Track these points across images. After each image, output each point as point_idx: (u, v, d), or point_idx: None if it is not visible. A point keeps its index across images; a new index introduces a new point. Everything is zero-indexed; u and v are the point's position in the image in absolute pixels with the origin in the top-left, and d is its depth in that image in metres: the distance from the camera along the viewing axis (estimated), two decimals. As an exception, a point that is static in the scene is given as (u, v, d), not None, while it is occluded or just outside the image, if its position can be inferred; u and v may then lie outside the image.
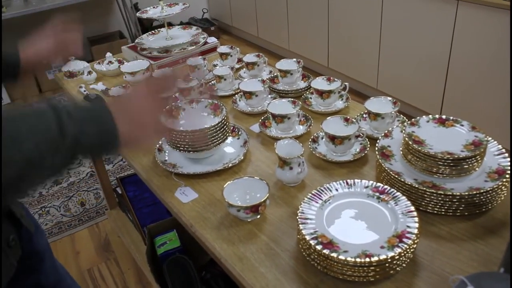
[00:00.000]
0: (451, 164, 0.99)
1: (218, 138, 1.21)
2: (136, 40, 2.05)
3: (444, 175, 1.01)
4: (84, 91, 1.83)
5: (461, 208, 0.99)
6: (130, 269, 2.17)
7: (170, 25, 2.11)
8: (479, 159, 1.01)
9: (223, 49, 1.80)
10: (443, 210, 1.00)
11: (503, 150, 1.09)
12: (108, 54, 2.01)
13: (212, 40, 2.02)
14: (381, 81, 3.24)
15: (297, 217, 0.94)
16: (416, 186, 1.00)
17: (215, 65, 1.82)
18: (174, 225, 1.91)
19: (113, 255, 2.28)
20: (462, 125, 1.10)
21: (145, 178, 1.28)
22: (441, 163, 1.00)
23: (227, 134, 1.26)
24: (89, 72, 1.92)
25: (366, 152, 1.21)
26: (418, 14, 2.75)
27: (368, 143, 1.24)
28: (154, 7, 2.07)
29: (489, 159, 1.07)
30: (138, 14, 2.05)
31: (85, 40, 4.63)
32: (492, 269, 0.86)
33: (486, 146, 1.03)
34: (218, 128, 1.20)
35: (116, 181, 2.40)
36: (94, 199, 2.72)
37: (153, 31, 2.14)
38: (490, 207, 1.01)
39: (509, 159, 1.06)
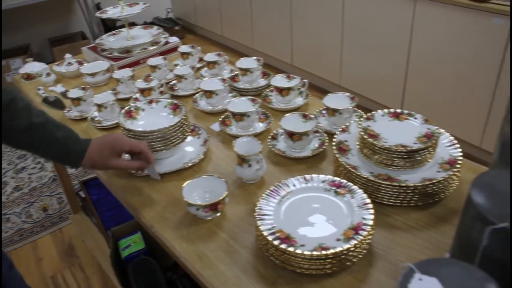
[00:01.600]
0: (405, 156, 1.02)
1: (178, 138, 1.21)
2: (96, 41, 2.02)
3: (399, 167, 1.04)
4: (43, 93, 1.79)
5: (415, 198, 1.01)
6: (95, 274, 2.14)
7: (132, 25, 2.08)
8: (431, 150, 1.04)
9: (184, 48, 1.80)
10: (398, 201, 1.02)
11: (455, 141, 1.12)
12: (68, 55, 1.97)
13: (174, 39, 2.00)
14: (344, 77, 3.29)
15: (255, 214, 0.95)
16: (372, 179, 1.02)
17: (176, 65, 1.81)
18: (139, 227, 1.89)
19: (77, 260, 2.24)
20: (415, 118, 1.13)
21: (106, 180, 1.26)
22: (395, 155, 1.02)
23: (187, 134, 1.25)
24: (48, 74, 1.88)
25: (324, 147, 1.23)
26: (378, 11, 2.81)
27: (327, 138, 1.26)
28: (114, 7, 2.04)
29: (441, 150, 1.10)
30: (97, 14, 2.02)
31: (45, 41, 4.54)
32: (443, 255, 0.89)
33: (438, 138, 1.06)
34: (177, 128, 1.20)
35: (80, 185, 2.36)
36: (57, 204, 2.67)
37: (113, 32, 2.11)
38: (442, 196, 1.04)
39: (460, 149, 1.09)
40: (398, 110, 1.16)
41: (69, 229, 2.45)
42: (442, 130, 1.15)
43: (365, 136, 1.06)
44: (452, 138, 1.13)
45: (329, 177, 1.03)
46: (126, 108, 1.30)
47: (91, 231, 2.20)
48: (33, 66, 1.97)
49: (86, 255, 2.25)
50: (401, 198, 1.02)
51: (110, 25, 4.48)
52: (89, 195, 2.24)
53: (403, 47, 2.73)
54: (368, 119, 1.13)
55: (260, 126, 1.36)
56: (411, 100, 2.83)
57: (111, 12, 2.01)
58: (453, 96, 2.56)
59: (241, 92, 1.55)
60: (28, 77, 1.94)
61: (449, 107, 2.59)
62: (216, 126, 1.40)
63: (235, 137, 1.31)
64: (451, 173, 1.02)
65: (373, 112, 1.15)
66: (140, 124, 1.27)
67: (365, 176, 1.03)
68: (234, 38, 4.38)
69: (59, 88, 1.82)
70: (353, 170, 1.05)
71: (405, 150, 1.01)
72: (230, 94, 1.52)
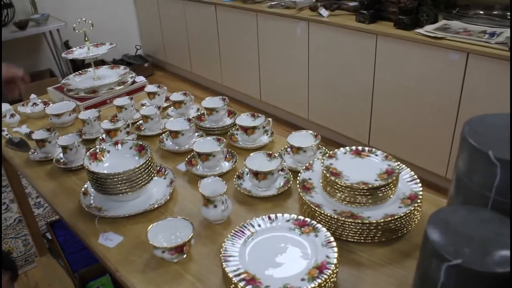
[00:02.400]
0: (367, 193, 1.05)
1: (143, 180, 1.21)
2: (62, 81, 2.01)
3: (361, 204, 1.06)
4: (7, 134, 1.77)
5: (378, 234, 1.03)
6: (62, 319, 2.07)
7: (101, 63, 2.09)
8: (392, 187, 1.07)
9: (150, 88, 1.81)
10: (362, 238, 1.04)
11: (415, 176, 1.16)
12: (33, 96, 1.96)
13: (140, 79, 2.02)
14: (312, 111, 3.35)
15: (221, 255, 0.95)
16: (336, 216, 1.04)
17: (143, 104, 1.82)
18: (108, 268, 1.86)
19: (43, 304, 2.17)
20: (376, 155, 1.16)
21: (70, 223, 1.24)
22: (357, 193, 1.05)
23: (152, 175, 1.25)
24: (12, 115, 1.86)
25: (289, 185, 1.24)
26: (343, 47, 2.90)
27: (291, 176, 1.28)
28: (80, 47, 2.05)
29: (402, 185, 1.13)
30: (63, 55, 2.03)
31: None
32: (406, 292, 0.91)
33: (398, 174, 1.09)
34: (143, 169, 1.20)
35: (46, 226, 2.31)
36: (23, 246, 2.59)
37: (80, 71, 2.11)
38: (405, 231, 1.06)
39: (420, 184, 1.13)
40: (360, 148, 1.19)
41: (35, 272, 2.38)
42: (403, 166, 1.18)
43: (328, 175, 1.08)
44: (413, 173, 1.17)
45: (293, 216, 1.05)
46: (91, 150, 1.29)
47: (58, 274, 2.15)
48: (-3, 107, 1.94)
49: (52, 299, 2.18)
50: (364, 235, 1.03)
51: (78, 63, 4.47)
52: (56, 236, 2.19)
53: (368, 81, 2.81)
54: (330, 157, 1.16)
55: (226, 166, 1.37)
56: (377, 132, 2.90)
57: (77, 53, 2.01)
58: (417, 128, 2.63)
59: (207, 131, 1.57)
60: (-8, 118, 1.92)
61: (414, 138, 2.67)
62: (182, 166, 1.40)
63: (202, 177, 1.31)
64: (413, 208, 1.05)
65: (335, 150, 1.18)
66: (106, 166, 1.27)
67: (328, 214, 1.04)
68: (203, 75, 4.43)
69: (24, 129, 1.80)
70: (316, 208, 1.07)
71: (366, 188, 1.04)
72: (196, 134, 1.54)
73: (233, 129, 1.55)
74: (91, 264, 1.96)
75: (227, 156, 1.39)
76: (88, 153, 1.28)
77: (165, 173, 1.34)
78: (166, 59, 4.89)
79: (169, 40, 4.69)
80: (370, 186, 1.04)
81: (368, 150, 1.18)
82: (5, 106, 1.92)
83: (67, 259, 2.07)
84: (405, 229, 1.06)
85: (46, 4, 4.40)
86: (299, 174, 1.20)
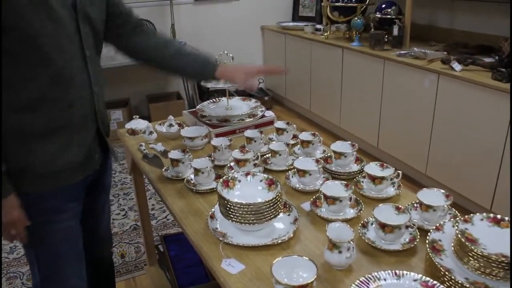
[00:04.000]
0: (506, 267, 0.98)
1: (271, 213, 1.25)
2: (198, 107, 2.16)
3: (498, 277, 1.00)
4: (144, 149, 1.92)
5: (512, 314, 0.97)
6: (162, 330, 2.17)
7: (229, 94, 2.21)
8: (534, 265, 1.00)
9: (279, 124, 1.87)
10: (493, 313, 0.98)
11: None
12: (170, 117, 2.12)
13: (269, 114, 2.10)
14: (430, 166, 3.22)
15: (345, 303, 0.95)
16: (467, 286, 0.99)
17: (270, 139, 1.89)
18: (213, 291, 1.92)
19: (147, 312, 2.29)
20: (517, 227, 1.09)
21: (195, 243, 1.31)
22: (495, 265, 0.99)
23: (279, 210, 1.29)
24: (150, 132, 2.02)
25: (415, 243, 1.21)
26: (472, 103, 2.78)
27: (418, 234, 1.24)
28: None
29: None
30: (202, 82, 2.18)
31: (144, 97, 4.89)
32: None
33: (542, 252, 1.02)
34: (271, 204, 1.24)
35: (159, 238, 2.45)
36: (135, 253, 2.77)
37: (213, 99, 2.25)
38: (543, 316, 0.98)
39: None
40: (498, 216, 1.13)
41: (142, 279, 2.52)
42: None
43: (463, 240, 1.04)
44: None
45: (421, 276, 1.01)
46: (224, 177, 1.37)
47: (163, 286, 2.25)
48: (138, 123, 2.13)
49: (155, 309, 2.29)
50: (497, 311, 0.97)
51: (204, 89, 4.76)
52: (167, 250, 2.31)
53: (498, 143, 2.65)
54: (465, 221, 1.11)
55: (350, 212, 1.37)
56: (503, 199, 2.71)
57: (215, 81, 2.15)
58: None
59: (333, 175, 1.58)
60: (132, 132, 2.10)
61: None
62: (306, 206, 1.43)
63: (325, 219, 1.33)
64: (555, 292, 0.97)
65: (471, 215, 1.13)
66: (236, 194, 1.33)
67: (459, 282, 1.00)
68: (321, 115, 4.48)
69: (159, 147, 1.95)
70: (446, 273, 1.02)
71: (506, 261, 0.98)
72: (322, 175, 1.56)
73: (360, 176, 1.55)
74: (196, 282, 2.05)
75: (353, 202, 1.39)
76: (221, 179, 1.35)
77: (290, 209, 1.37)
78: (286, 95, 5.02)
79: (292, 77, 4.83)
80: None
81: (509, 220, 1.11)
82: (145, 123, 2.10)
83: (175, 273, 2.17)
84: (543, 312, 0.98)
85: (184, 33, 4.78)
86: (429, 234, 1.16)
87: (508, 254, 1.00)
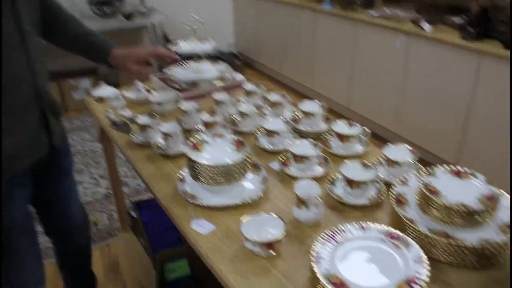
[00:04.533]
0: (465, 216, 1.02)
1: (239, 174, 1.26)
2: (166, 71, 2.13)
3: (458, 226, 1.03)
4: (112, 116, 1.89)
5: (471, 259, 1.01)
6: (138, 294, 2.20)
7: (198, 57, 2.18)
8: (492, 212, 1.04)
9: (249, 86, 1.87)
10: (454, 260, 1.02)
11: (516, 204, 1.11)
12: (137, 83, 2.09)
13: (239, 77, 2.09)
14: (401, 126, 3.28)
15: (311, 256, 0.97)
16: (429, 235, 1.02)
17: (240, 101, 1.88)
18: (186, 253, 1.94)
19: (121, 277, 2.31)
20: (477, 178, 1.13)
21: (166, 206, 1.32)
22: (455, 214, 1.02)
23: (248, 171, 1.30)
24: (118, 99, 1.99)
25: (381, 197, 1.24)
26: (441, 63, 2.81)
27: (384, 188, 1.27)
28: (185, 42, 2.15)
29: (501, 212, 1.09)
30: (169, 46, 2.14)
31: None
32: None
33: (499, 200, 1.05)
34: (240, 165, 1.25)
35: (131, 205, 2.45)
36: (107, 220, 2.77)
37: (182, 63, 2.22)
38: (501, 260, 1.03)
39: (522, 215, 1.08)
40: (460, 168, 1.16)
41: (116, 246, 2.53)
42: (503, 192, 1.14)
43: (426, 192, 1.07)
44: (513, 201, 1.12)
45: (387, 228, 1.04)
46: (193, 140, 1.36)
47: (138, 251, 2.27)
48: (105, 90, 2.09)
49: (130, 273, 2.31)
50: (457, 257, 1.01)
51: (174, 54, 4.67)
52: (140, 215, 2.31)
53: (464, 101, 2.71)
54: (429, 174, 1.14)
55: (319, 170, 1.39)
56: (467, 154, 2.79)
57: (183, 47, 2.11)
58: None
59: (302, 134, 1.59)
60: (100, 99, 2.06)
61: (506, 167, 2.53)
62: (275, 165, 1.44)
63: (294, 178, 1.34)
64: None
65: (434, 168, 1.16)
66: (205, 156, 1.33)
67: (422, 231, 1.03)
68: (294, 77, 4.47)
69: (127, 113, 1.92)
70: (410, 223, 1.06)
71: (465, 210, 1.01)
72: (291, 135, 1.57)
73: (328, 135, 1.56)
74: (169, 246, 2.06)
75: (321, 161, 1.40)
76: (189, 142, 1.35)
77: (259, 170, 1.38)
78: (258, 58, 4.98)
79: (264, 41, 4.78)
80: (470, 209, 1.01)
81: (469, 172, 1.15)
82: (113, 90, 2.06)
83: (149, 238, 2.18)
84: (500, 257, 1.02)
85: (151, -3, 4.66)
86: (393, 188, 1.19)
87: (468, 203, 1.03)
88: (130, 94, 2.07)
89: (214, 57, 4.99)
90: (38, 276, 1.49)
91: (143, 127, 1.64)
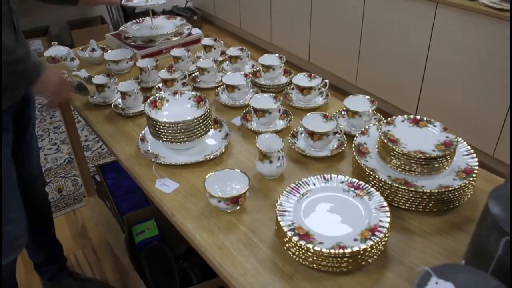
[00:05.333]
0: (423, 163, 1.05)
1: (201, 130, 1.24)
2: (120, 28, 2.05)
3: (416, 173, 1.06)
4: (66, 77, 1.82)
5: (430, 204, 1.04)
6: (106, 257, 2.19)
7: (154, 13, 2.11)
8: (449, 158, 1.07)
9: (207, 41, 1.82)
10: (414, 206, 1.05)
11: (471, 150, 1.15)
12: (92, 41, 2.00)
13: (196, 31, 2.03)
14: (360, 77, 3.30)
15: (276, 209, 0.98)
16: (390, 182, 1.05)
17: (198, 57, 1.84)
18: (153, 213, 1.94)
19: (90, 242, 2.29)
20: (434, 126, 1.15)
21: (128, 166, 1.30)
22: (414, 161, 1.05)
23: (210, 127, 1.28)
24: (72, 59, 1.91)
25: (343, 148, 1.26)
26: (399, 14, 2.81)
27: (346, 139, 1.29)
28: (139, -5, 2.07)
29: (458, 158, 1.12)
30: (123, 2, 2.05)
31: (65, 24, 4.58)
32: (457, 262, 0.92)
33: (456, 146, 1.08)
34: (201, 120, 1.23)
35: (95, 168, 2.41)
36: (72, 186, 2.72)
37: (137, 20, 2.14)
38: (457, 204, 1.07)
39: (476, 159, 1.12)
40: (418, 117, 1.18)
41: (83, 211, 2.50)
42: (460, 139, 1.17)
43: (385, 141, 1.08)
44: (469, 147, 1.16)
45: (348, 178, 1.06)
46: (152, 98, 1.33)
47: (104, 215, 2.25)
48: (58, 50, 1.99)
49: (98, 238, 2.30)
50: (417, 203, 1.04)
51: (129, 12, 4.51)
52: (104, 179, 2.28)
53: (422, 51, 2.74)
54: (388, 123, 1.16)
55: (280, 124, 1.39)
56: (426, 104, 2.85)
57: (136, 1, 2.03)
58: (468, 104, 2.57)
59: (262, 88, 1.58)
60: (53, 60, 1.97)
61: (464, 114, 2.61)
62: (237, 120, 1.43)
63: (256, 132, 1.34)
64: (467, 181, 1.05)
65: (393, 117, 1.18)
66: (165, 114, 1.31)
67: (382, 179, 1.05)
68: (252, 32, 4.40)
69: (83, 73, 1.85)
70: (371, 172, 1.08)
71: (423, 157, 1.04)
72: (251, 90, 1.55)
73: (289, 88, 1.56)
74: (136, 208, 2.05)
75: (282, 114, 1.40)
76: (148, 100, 1.31)
77: (221, 125, 1.37)
78: (215, 13, 4.87)
79: (220, -6, 4.66)
80: (427, 155, 1.04)
81: (427, 120, 1.17)
82: (66, 50, 1.97)
83: (114, 201, 2.17)
84: (457, 201, 1.06)
85: None
86: (355, 138, 1.20)
87: (426, 150, 1.05)
88: (84, 53, 1.99)
89: (171, 12, 4.85)
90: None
91: (100, 87, 1.59)
